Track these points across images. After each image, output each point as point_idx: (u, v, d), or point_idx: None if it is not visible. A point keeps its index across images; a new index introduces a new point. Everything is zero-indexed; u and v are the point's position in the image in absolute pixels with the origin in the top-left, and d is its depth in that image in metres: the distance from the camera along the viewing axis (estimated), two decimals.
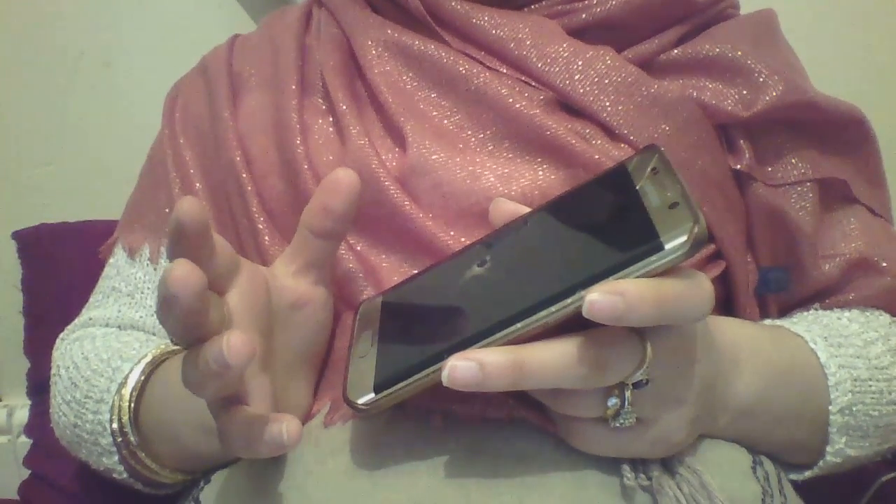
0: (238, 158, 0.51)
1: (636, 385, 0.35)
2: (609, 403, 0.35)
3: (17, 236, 0.86)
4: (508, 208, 0.41)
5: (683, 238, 0.31)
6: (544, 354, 0.33)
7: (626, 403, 0.35)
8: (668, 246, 0.32)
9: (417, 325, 0.39)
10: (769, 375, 0.43)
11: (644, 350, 0.34)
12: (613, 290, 0.31)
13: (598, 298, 0.30)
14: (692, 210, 0.32)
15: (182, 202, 0.33)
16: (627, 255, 0.32)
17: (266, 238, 0.49)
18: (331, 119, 0.51)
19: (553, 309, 0.33)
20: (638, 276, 0.32)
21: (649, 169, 0.36)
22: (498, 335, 0.34)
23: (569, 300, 0.33)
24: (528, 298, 0.34)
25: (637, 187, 0.35)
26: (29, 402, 0.85)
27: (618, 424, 0.36)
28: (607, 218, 0.36)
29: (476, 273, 0.38)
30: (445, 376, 0.32)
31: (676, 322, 0.34)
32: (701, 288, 0.33)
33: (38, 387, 0.81)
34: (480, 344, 0.34)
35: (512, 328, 0.34)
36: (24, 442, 0.91)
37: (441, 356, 0.34)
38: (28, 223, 0.87)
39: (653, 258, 0.32)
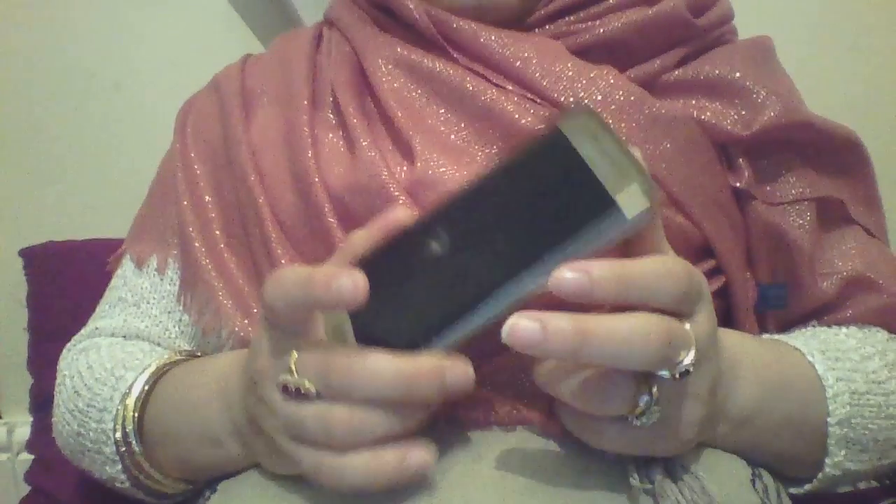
0: (251, 171, 0.52)
1: (682, 375, 0.35)
2: (640, 402, 0.35)
3: (24, 253, 0.87)
4: None
5: (639, 196, 0.32)
6: (613, 324, 0.33)
7: (654, 401, 0.35)
8: (625, 209, 0.32)
9: (385, 315, 0.38)
10: (768, 385, 0.43)
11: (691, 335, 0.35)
12: (578, 268, 0.32)
13: (566, 276, 0.32)
14: (638, 167, 0.33)
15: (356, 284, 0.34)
16: (584, 224, 0.33)
17: (279, 250, 0.50)
18: (341, 132, 0.52)
19: (517, 289, 0.34)
20: (601, 244, 0.33)
21: (588, 132, 0.35)
22: (467, 321, 0.34)
23: (532, 281, 0.33)
24: (492, 279, 0.34)
25: (580, 152, 0.34)
26: (29, 420, 0.84)
27: (639, 423, 0.36)
28: (556, 187, 0.35)
29: (435, 252, 0.37)
30: (506, 333, 0.32)
31: (645, 300, 0.35)
32: (666, 266, 0.35)
33: (41, 403, 0.81)
34: (450, 328, 0.35)
35: (480, 314, 0.34)
36: (24, 460, 0.91)
37: (415, 342, 0.35)
38: (35, 242, 0.87)
39: (609, 222, 0.33)
